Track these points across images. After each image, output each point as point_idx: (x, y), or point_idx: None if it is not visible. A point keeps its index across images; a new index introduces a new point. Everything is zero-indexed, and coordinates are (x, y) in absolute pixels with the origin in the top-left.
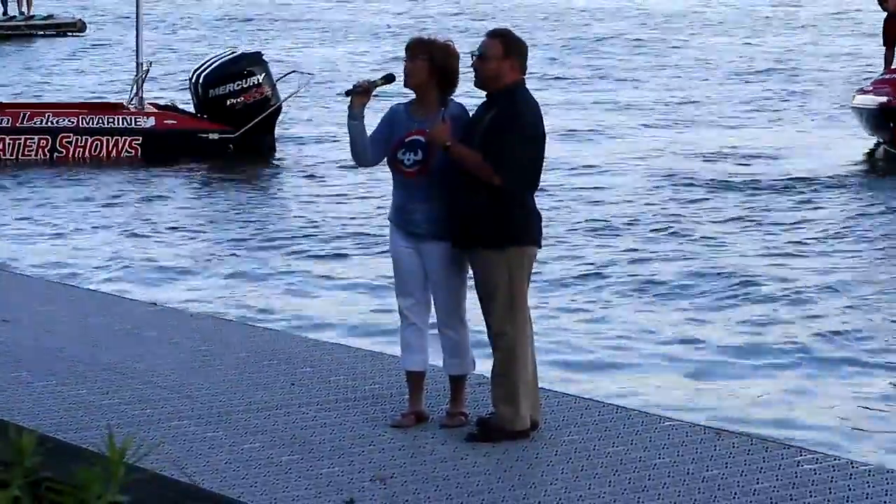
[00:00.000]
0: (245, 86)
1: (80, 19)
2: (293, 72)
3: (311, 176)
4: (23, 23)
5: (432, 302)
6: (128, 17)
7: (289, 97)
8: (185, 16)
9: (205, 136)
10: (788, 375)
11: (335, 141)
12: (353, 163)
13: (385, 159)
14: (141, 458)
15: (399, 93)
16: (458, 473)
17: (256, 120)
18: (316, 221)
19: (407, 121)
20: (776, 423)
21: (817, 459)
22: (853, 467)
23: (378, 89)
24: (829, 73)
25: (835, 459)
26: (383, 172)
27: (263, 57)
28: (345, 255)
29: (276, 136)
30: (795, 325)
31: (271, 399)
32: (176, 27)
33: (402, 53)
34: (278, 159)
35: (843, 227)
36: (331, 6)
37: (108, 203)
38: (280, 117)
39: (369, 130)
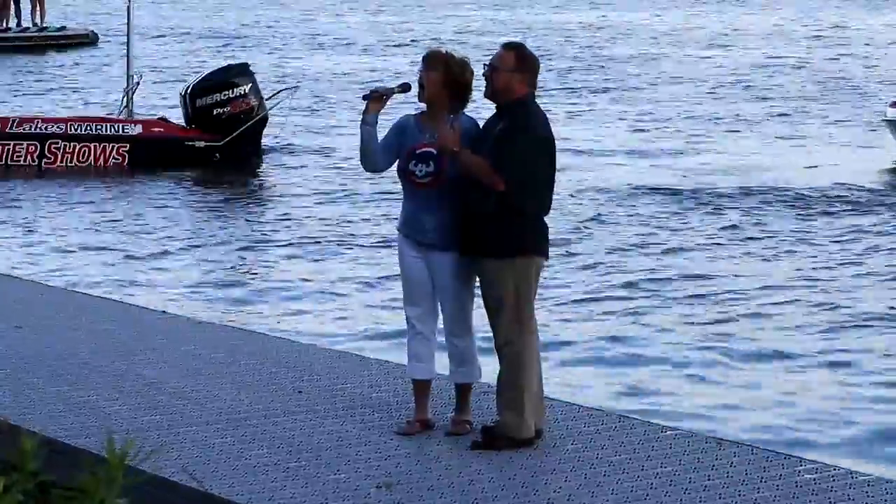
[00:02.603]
0: (231, 96)
1: (91, 31)
2: (284, 89)
3: (302, 185)
4: (36, 34)
5: (440, 311)
6: (142, 31)
7: (274, 107)
8: (186, 28)
9: (191, 144)
10: (790, 386)
11: (323, 149)
12: (341, 173)
13: (394, 168)
14: (141, 461)
15: (406, 102)
16: (462, 481)
17: (241, 129)
18: (312, 230)
19: (417, 132)
20: (777, 434)
21: (817, 469)
22: (852, 477)
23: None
24: (854, 86)
25: (834, 469)
26: (373, 182)
27: (250, 68)
28: (347, 264)
29: (262, 145)
30: (799, 338)
31: (278, 406)
32: (174, 41)
33: (395, 65)
34: (266, 168)
35: (872, 245)
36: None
37: (99, 210)
38: (266, 127)
39: (379, 136)
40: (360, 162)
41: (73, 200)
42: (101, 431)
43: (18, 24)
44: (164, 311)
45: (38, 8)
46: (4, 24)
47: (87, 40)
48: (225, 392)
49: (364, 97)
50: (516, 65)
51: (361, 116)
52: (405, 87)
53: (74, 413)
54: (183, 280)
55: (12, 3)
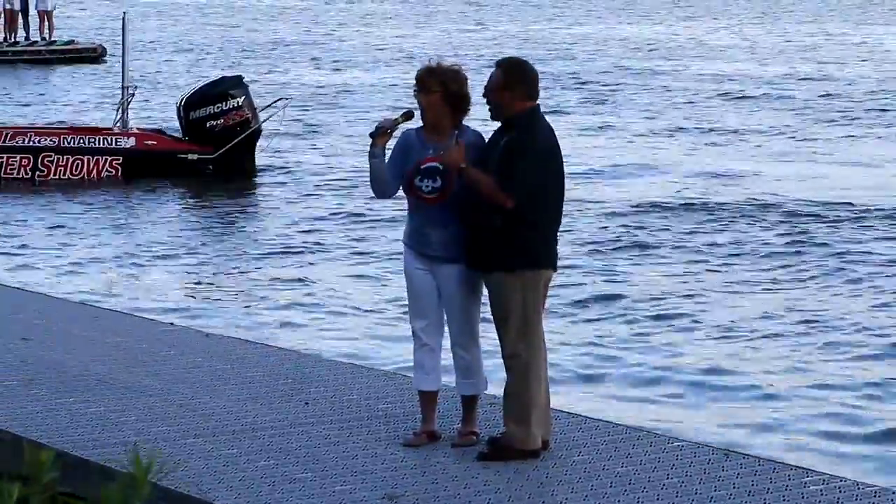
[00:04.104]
0: (225, 108)
1: (100, 45)
2: (280, 99)
3: (299, 196)
4: (44, 48)
5: (446, 323)
6: (153, 44)
7: (267, 119)
8: (191, 42)
9: (184, 156)
10: (797, 399)
11: (319, 161)
12: (338, 184)
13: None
14: (163, 476)
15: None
16: (469, 492)
17: (235, 141)
18: (314, 240)
19: (421, 147)
20: (784, 445)
21: (824, 480)
22: (859, 488)
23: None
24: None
25: (841, 480)
26: (371, 194)
27: (244, 80)
28: (351, 275)
29: (256, 157)
30: (805, 348)
31: (285, 417)
32: (178, 54)
33: (389, 77)
34: (261, 180)
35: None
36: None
37: (100, 223)
38: (260, 139)
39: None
40: (371, 189)
41: (72, 213)
42: (109, 443)
43: (27, 38)
44: (171, 323)
45: (46, 22)
46: (13, 38)
47: (95, 54)
48: (231, 403)
49: (370, 135)
50: (506, 80)
51: (369, 150)
52: (408, 115)
53: (81, 425)
54: (189, 292)
55: (20, 16)
